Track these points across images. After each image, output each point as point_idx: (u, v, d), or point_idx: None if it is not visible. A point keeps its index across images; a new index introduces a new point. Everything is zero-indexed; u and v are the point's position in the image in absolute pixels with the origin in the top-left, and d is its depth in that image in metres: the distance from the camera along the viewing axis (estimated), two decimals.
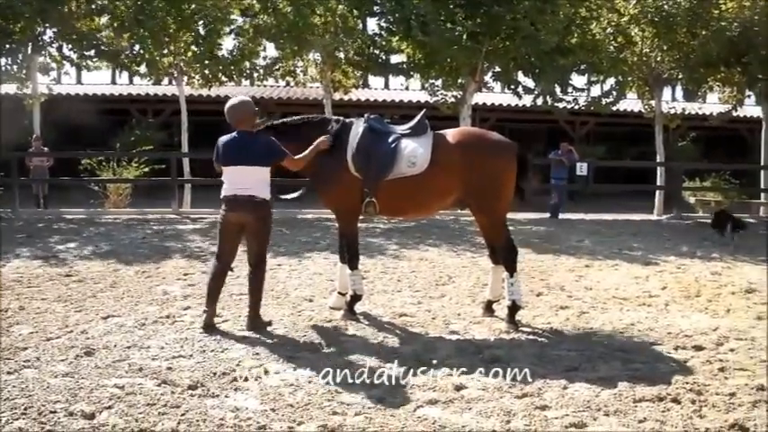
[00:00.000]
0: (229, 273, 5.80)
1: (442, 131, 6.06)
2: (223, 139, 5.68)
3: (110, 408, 3.89)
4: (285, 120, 6.29)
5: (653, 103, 17.09)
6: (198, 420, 3.77)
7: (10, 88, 17.06)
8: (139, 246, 10.08)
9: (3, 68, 16.19)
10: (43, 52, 16.38)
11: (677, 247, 10.92)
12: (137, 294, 6.83)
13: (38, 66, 16.46)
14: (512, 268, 5.88)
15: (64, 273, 7.96)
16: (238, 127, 5.63)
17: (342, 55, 16.88)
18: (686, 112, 19.15)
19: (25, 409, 3.84)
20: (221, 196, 5.63)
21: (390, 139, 5.91)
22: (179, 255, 9.36)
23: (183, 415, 3.82)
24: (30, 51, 15.95)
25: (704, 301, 7.02)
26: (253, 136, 5.66)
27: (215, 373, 4.47)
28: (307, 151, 5.82)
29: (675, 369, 4.76)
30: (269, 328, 5.61)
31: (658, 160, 16.99)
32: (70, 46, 16.49)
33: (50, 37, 16.22)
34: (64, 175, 16.31)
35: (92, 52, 16.55)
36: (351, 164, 5.87)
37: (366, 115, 6.17)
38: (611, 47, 16.52)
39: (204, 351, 4.98)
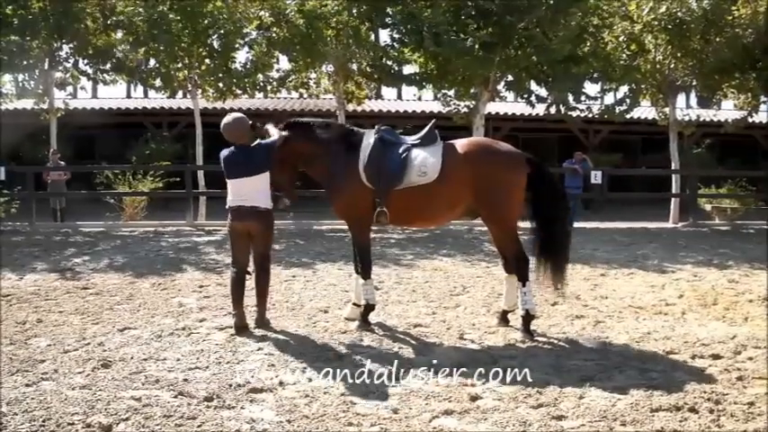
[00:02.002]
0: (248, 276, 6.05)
1: (451, 141, 6.08)
2: (224, 153, 5.96)
3: (127, 420, 3.92)
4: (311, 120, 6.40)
5: (667, 110, 17.00)
6: None
7: (27, 103, 17.28)
8: (155, 258, 10.15)
9: (21, 84, 16.42)
10: (60, 68, 16.59)
11: (693, 255, 10.84)
12: (153, 307, 6.88)
13: (55, 81, 16.67)
14: (524, 277, 5.87)
15: (81, 285, 8.04)
16: (236, 143, 5.89)
17: (354, 66, 16.96)
18: (701, 119, 19.00)
19: (43, 421, 3.88)
20: (227, 206, 5.95)
21: (401, 150, 5.95)
22: (194, 267, 9.41)
23: (199, 427, 3.85)
24: (47, 67, 16.16)
25: (721, 310, 6.96)
26: (250, 148, 5.92)
27: (231, 385, 4.49)
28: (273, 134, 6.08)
29: (693, 378, 4.72)
30: (283, 338, 5.65)
31: (673, 167, 16.89)
32: (86, 61, 16.70)
33: (67, 53, 16.43)
34: (80, 188, 16.49)
35: (107, 67, 16.74)
36: (362, 174, 5.91)
37: (377, 126, 6.22)
38: (625, 55, 16.46)
39: (220, 363, 5.00)
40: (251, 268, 6.07)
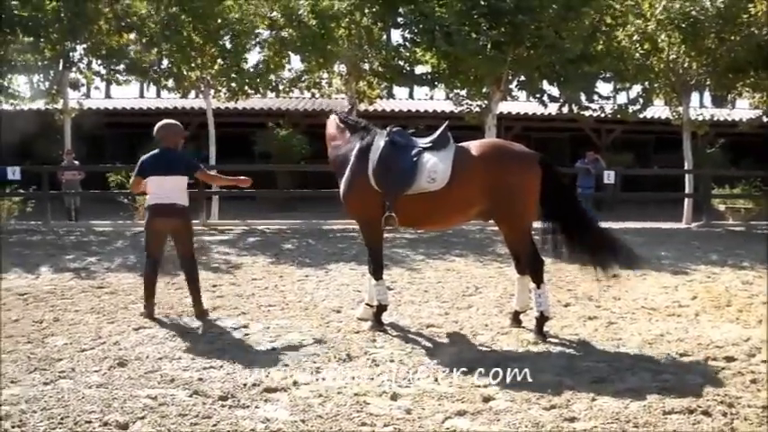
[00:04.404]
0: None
1: (464, 144, 6.05)
2: (146, 156, 6.53)
3: (143, 418, 3.97)
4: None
5: (680, 109, 16.90)
6: (229, 431, 3.82)
7: (40, 103, 17.41)
8: (168, 258, 10.15)
9: (35, 85, 16.59)
10: (73, 68, 16.71)
11: (707, 256, 10.79)
12: (167, 306, 6.93)
13: (68, 81, 16.79)
14: (538, 279, 5.87)
15: (96, 284, 8.12)
16: (163, 143, 6.50)
17: (366, 66, 16.98)
18: (715, 119, 18.88)
19: (61, 419, 3.94)
20: (146, 205, 6.40)
21: (411, 153, 5.91)
22: (207, 267, 9.45)
23: (214, 426, 3.89)
24: (60, 68, 16.29)
25: (735, 311, 6.93)
26: (174, 152, 6.51)
27: (245, 384, 4.53)
28: (224, 177, 7.29)
29: (706, 381, 4.70)
30: (297, 337, 5.69)
31: (686, 167, 16.79)
32: (99, 62, 16.82)
33: (80, 53, 16.55)
34: (94, 187, 16.59)
35: (121, 67, 16.86)
36: (371, 177, 5.92)
37: (389, 128, 6.21)
38: (638, 54, 16.37)
39: (234, 362, 5.04)
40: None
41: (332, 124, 6.60)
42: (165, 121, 6.67)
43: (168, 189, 6.33)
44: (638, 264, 6.22)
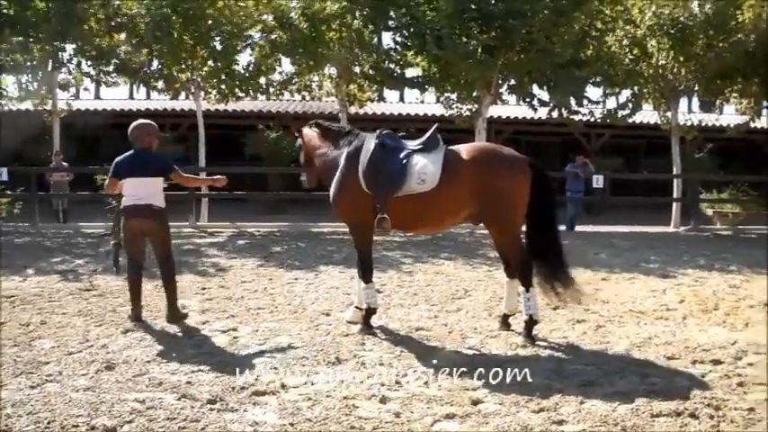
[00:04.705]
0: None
1: (454, 147, 6.07)
2: (121, 157, 6.45)
3: (130, 422, 3.94)
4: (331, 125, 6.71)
5: (669, 114, 17.02)
6: None
7: (29, 104, 17.31)
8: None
9: (24, 85, 16.48)
10: (63, 69, 16.63)
11: (695, 260, 10.85)
12: (155, 309, 6.87)
13: (58, 82, 16.71)
14: (528, 282, 5.88)
15: (83, 287, 8.07)
16: (137, 144, 6.39)
17: (357, 69, 17.01)
18: (703, 124, 19.05)
19: (48, 423, 3.91)
20: (122, 206, 6.33)
21: (401, 156, 5.93)
22: (196, 269, 9.43)
23: (202, 429, 3.87)
24: (50, 68, 16.21)
25: (722, 315, 6.98)
26: (149, 153, 6.41)
27: (234, 388, 4.51)
28: (198, 178, 7.00)
29: (693, 384, 4.73)
30: (286, 340, 5.67)
31: (675, 172, 16.91)
32: (89, 62, 16.74)
33: (70, 54, 16.48)
34: (83, 189, 16.51)
35: (110, 68, 16.79)
36: (361, 180, 5.92)
37: (378, 131, 6.22)
38: (627, 59, 16.48)
39: (222, 365, 5.02)
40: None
41: (312, 134, 6.58)
42: (139, 121, 6.56)
43: (143, 190, 6.23)
44: (575, 291, 6.13)
